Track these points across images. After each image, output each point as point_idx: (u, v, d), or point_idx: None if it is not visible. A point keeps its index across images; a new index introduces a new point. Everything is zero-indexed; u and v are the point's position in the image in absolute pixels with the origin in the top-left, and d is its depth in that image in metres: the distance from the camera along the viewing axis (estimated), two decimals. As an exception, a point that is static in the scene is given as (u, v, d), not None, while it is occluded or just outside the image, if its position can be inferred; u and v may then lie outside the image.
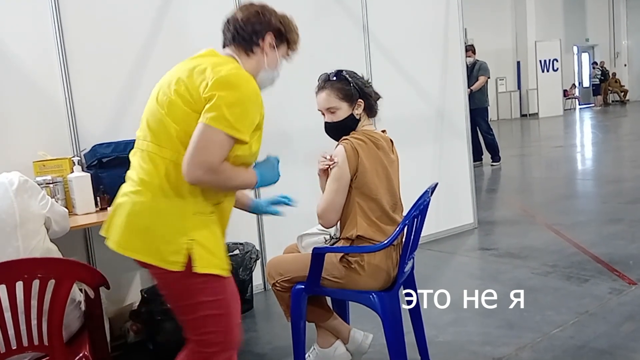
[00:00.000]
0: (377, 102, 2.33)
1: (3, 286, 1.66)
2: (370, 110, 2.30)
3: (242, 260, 3.07)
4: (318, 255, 2.14)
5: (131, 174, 1.64)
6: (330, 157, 2.17)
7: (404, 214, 2.20)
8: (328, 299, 2.47)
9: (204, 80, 1.53)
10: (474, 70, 7.78)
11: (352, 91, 2.22)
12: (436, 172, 4.42)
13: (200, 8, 3.25)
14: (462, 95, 4.62)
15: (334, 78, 2.24)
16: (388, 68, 4.11)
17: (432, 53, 4.45)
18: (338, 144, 2.21)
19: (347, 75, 2.24)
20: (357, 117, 2.25)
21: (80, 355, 1.86)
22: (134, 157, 1.66)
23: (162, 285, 1.63)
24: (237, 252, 3.12)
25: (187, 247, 1.53)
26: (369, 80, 2.34)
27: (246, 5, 1.74)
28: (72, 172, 2.69)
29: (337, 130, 2.25)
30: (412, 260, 2.35)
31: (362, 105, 2.24)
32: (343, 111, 2.22)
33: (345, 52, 3.87)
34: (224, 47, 1.73)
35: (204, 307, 1.59)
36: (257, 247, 3.40)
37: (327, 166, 2.17)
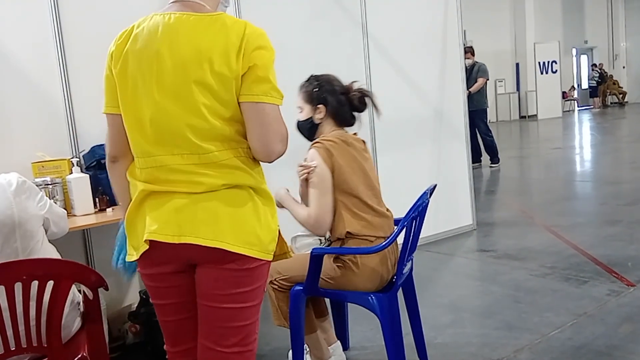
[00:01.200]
0: (353, 113, 2.31)
1: (2, 287, 1.66)
2: (336, 119, 2.29)
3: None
4: (317, 256, 2.14)
5: (186, 177, 1.40)
6: (306, 164, 2.19)
7: (401, 215, 2.20)
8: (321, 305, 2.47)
9: (230, 57, 1.37)
10: (473, 72, 7.79)
11: (313, 95, 2.26)
12: (435, 174, 4.42)
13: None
14: (461, 97, 4.62)
15: (306, 80, 2.31)
16: (387, 69, 4.12)
17: (431, 55, 4.45)
18: (309, 149, 2.23)
19: (314, 79, 2.29)
20: (317, 121, 2.28)
21: (79, 356, 1.85)
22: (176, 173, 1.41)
23: (245, 282, 1.42)
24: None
25: (276, 236, 1.47)
26: (364, 89, 2.30)
27: None
28: (71, 173, 2.69)
29: (300, 129, 2.33)
30: (410, 261, 2.35)
31: (323, 111, 2.26)
32: (305, 113, 2.30)
33: (344, 53, 3.87)
34: None
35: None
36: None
37: (307, 173, 2.18)
